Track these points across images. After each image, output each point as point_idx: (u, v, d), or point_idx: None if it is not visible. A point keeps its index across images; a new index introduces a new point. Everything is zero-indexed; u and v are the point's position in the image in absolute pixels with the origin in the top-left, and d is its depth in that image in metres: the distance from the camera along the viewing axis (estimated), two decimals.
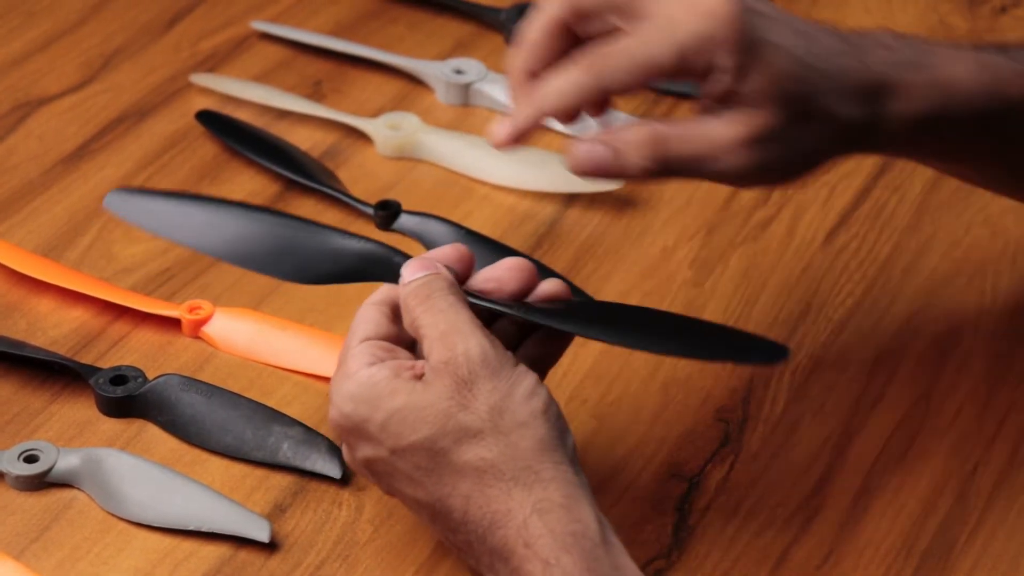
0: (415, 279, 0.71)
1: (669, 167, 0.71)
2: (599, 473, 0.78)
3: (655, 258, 0.90)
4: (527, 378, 0.69)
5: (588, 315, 0.73)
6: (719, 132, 0.70)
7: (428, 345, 0.69)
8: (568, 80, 0.70)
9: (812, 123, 0.71)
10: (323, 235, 0.77)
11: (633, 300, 0.87)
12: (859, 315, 0.87)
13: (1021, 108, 0.75)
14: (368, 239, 0.76)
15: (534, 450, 0.67)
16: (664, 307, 0.87)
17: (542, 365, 0.73)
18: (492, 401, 0.68)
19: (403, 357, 0.71)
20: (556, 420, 0.68)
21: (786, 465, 0.79)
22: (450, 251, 0.73)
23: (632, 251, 0.91)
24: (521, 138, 0.71)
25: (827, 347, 0.85)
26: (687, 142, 0.70)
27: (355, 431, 0.70)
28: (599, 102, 0.72)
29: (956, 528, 0.76)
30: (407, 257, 0.74)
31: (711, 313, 0.87)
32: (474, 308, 0.71)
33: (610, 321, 0.73)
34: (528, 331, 0.73)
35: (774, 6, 0.72)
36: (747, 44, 0.69)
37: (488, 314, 0.72)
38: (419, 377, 0.69)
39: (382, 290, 0.73)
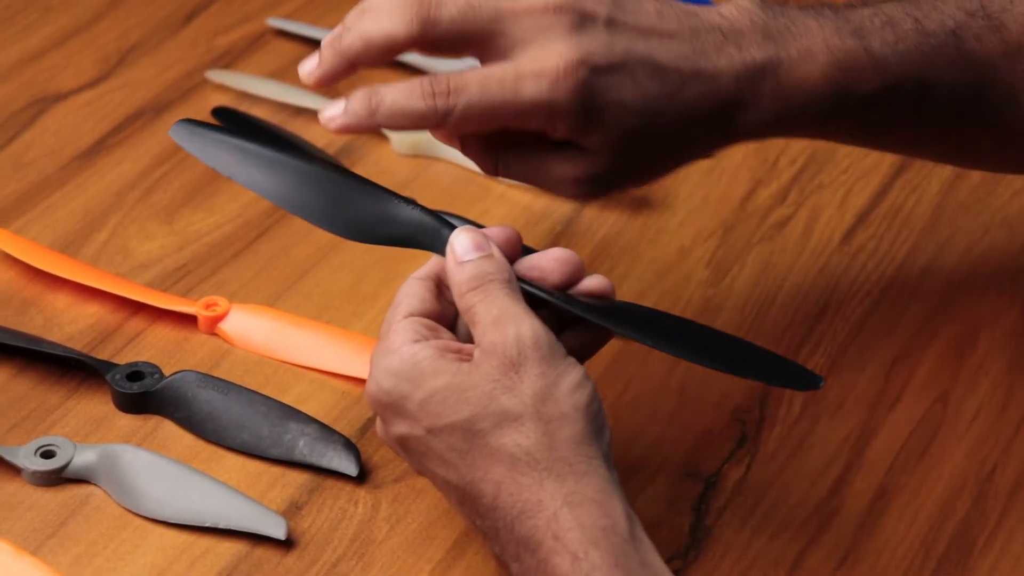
0: (468, 260, 0.70)
1: (509, 177, 0.76)
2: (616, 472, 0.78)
3: (671, 258, 0.90)
4: (575, 371, 0.68)
5: (627, 317, 0.72)
6: (556, 169, 0.74)
7: (480, 330, 0.69)
8: (409, 103, 0.72)
9: (654, 157, 0.75)
10: (377, 196, 0.74)
11: (649, 300, 0.87)
12: (877, 316, 0.87)
13: (871, 102, 0.76)
14: (420, 208, 0.74)
15: (570, 443, 0.67)
16: (680, 307, 0.87)
17: (579, 357, 0.72)
18: (538, 387, 0.67)
19: (446, 337, 0.70)
20: (596, 416, 0.68)
21: (803, 466, 0.79)
22: (499, 232, 0.72)
23: (648, 251, 0.91)
24: (348, 132, 0.73)
25: (844, 348, 0.85)
26: (527, 168, 0.75)
27: (392, 407, 0.69)
28: None
29: (974, 530, 0.76)
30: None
31: (728, 313, 0.87)
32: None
33: (649, 326, 0.72)
34: (569, 321, 0.73)
35: (630, 25, 0.73)
36: (586, 112, 0.72)
37: (530, 301, 0.71)
38: (464, 360, 0.69)
39: (429, 265, 0.72)
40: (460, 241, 0.71)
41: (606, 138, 0.73)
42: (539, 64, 0.71)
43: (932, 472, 0.79)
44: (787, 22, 0.75)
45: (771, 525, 0.76)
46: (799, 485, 0.78)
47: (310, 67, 0.75)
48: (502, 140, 0.74)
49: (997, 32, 0.77)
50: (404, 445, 0.70)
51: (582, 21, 0.72)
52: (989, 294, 0.88)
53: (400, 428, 0.70)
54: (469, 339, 0.71)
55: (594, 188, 0.75)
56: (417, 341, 0.69)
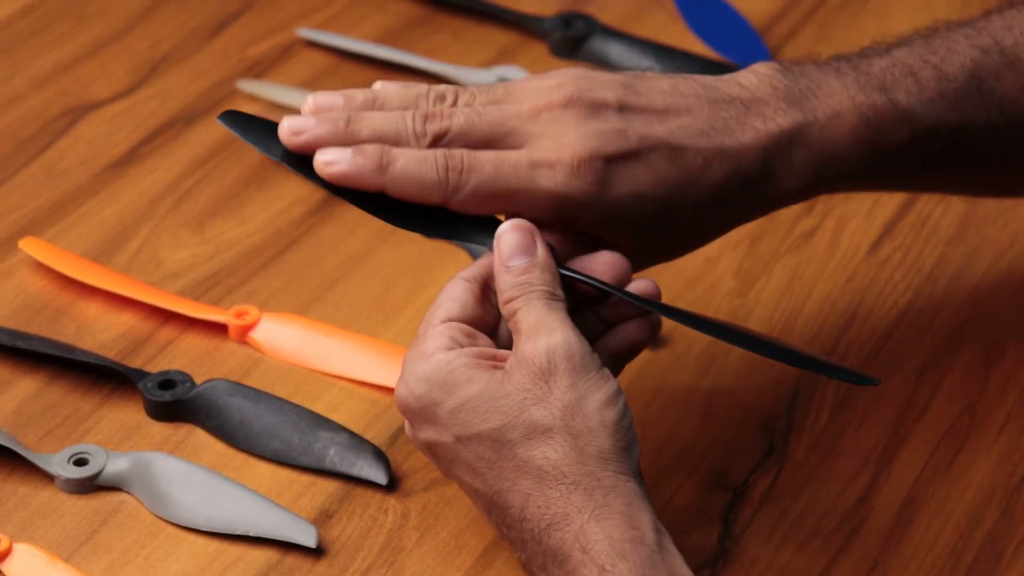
0: (515, 264, 0.70)
1: None
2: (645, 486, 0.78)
3: (699, 268, 0.90)
4: (607, 385, 0.68)
5: (677, 310, 0.73)
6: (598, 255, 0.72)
7: (516, 338, 0.69)
8: (420, 170, 0.70)
9: (681, 239, 0.74)
10: None
11: None
12: (904, 326, 0.87)
13: (902, 155, 0.75)
14: None
15: (598, 458, 0.67)
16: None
17: (618, 361, 0.72)
18: (567, 399, 0.68)
19: (483, 344, 0.70)
20: (625, 432, 0.68)
21: (831, 475, 0.79)
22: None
23: (676, 260, 0.90)
24: (347, 183, 0.70)
25: (872, 358, 0.85)
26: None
27: (422, 413, 0.69)
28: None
29: (1003, 540, 0.76)
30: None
31: (755, 323, 0.87)
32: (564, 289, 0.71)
33: (699, 318, 0.73)
34: (611, 324, 0.72)
35: (644, 107, 0.72)
36: (603, 205, 0.71)
37: (573, 304, 0.71)
38: (497, 367, 0.69)
39: (476, 267, 0.72)
40: (507, 241, 0.71)
41: (625, 229, 0.72)
42: (554, 155, 0.70)
43: (960, 482, 0.79)
44: (809, 83, 0.74)
45: (799, 535, 0.76)
46: (827, 495, 0.78)
47: (300, 126, 0.71)
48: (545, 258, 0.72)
49: (1013, 68, 0.77)
50: (432, 451, 0.71)
51: (594, 110, 0.71)
52: (1017, 304, 0.88)
53: (428, 434, 0.70)
54: (509, 344, 0.71)
55: (636, 261, 0.74)
56: (451, 348, 0.69)
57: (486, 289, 0.72)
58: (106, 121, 0.98)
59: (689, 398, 0.83)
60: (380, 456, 0.78)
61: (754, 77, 0.74)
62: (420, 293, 0.88)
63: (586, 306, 0.72)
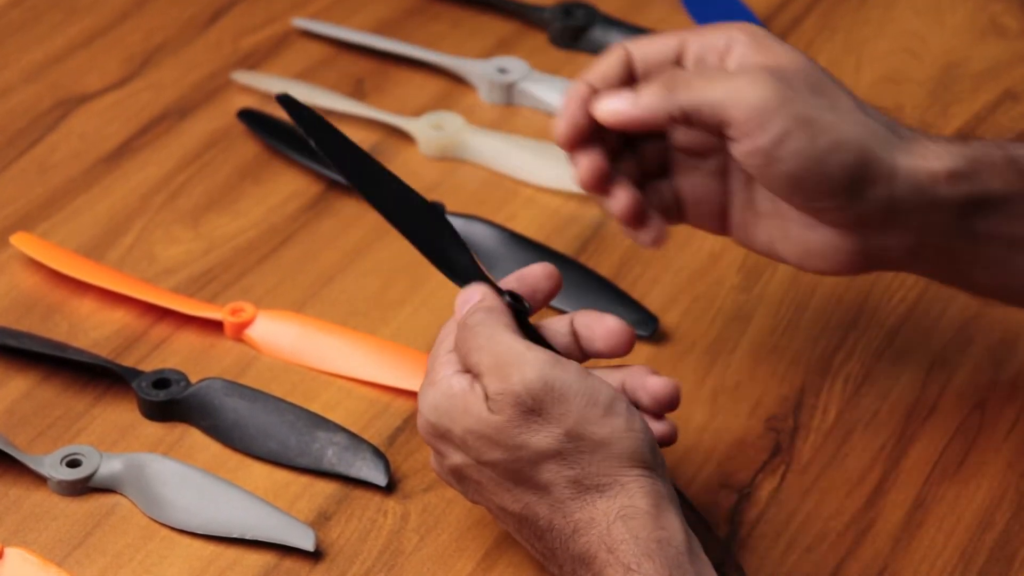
0: (464, 318, 0.71)
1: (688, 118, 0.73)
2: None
3: (702, 263, 0.89)
4: (602, 390, 0.67)
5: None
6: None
7: (485, 382, 0.68)
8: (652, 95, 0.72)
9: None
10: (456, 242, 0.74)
11: (681, 305, 0.86)
12: (911, 322, 0.86)
13: (1008, 203, 0.72)
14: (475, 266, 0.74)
15: (619, 462, 0.67)
16: (711, 313, 0.86)
17: None
18: (567, 425, 0.67)
19: None
20: (641, 431, 0.68)
21: (839, 476, 0.78)
22: (539, 269, 0.73)
23: (679, 255, 0.90)
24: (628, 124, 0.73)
25: (879, 355, 0.84)
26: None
27: (443, 438, 0.70)
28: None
29: (1015, 542, 0.75)
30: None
31: (760, 319, 0.86)
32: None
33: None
34: None
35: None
36: (794, 120, 0.70)
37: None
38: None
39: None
40: (457, 301, 0.71)
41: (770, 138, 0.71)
42: (751, 77, 0.72)
43: (970, 482, 0.77)
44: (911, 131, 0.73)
45: (806, 537, 0.75)
46: (835, 496, 0.77)
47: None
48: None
49: None
50: (460, 474, 0.70)
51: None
52: None
53: (455, 458, 0.70)
54: None
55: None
56: (458, 372, 0.69)
57: None
58: (98, 114, 0.97)
59: (693, 397, 0.81)
60: (379, 456, 0.77)
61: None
62: (418, 289, 0.86)
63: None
